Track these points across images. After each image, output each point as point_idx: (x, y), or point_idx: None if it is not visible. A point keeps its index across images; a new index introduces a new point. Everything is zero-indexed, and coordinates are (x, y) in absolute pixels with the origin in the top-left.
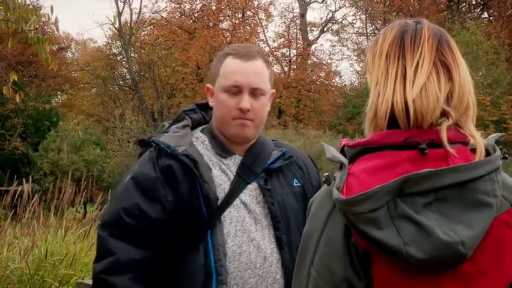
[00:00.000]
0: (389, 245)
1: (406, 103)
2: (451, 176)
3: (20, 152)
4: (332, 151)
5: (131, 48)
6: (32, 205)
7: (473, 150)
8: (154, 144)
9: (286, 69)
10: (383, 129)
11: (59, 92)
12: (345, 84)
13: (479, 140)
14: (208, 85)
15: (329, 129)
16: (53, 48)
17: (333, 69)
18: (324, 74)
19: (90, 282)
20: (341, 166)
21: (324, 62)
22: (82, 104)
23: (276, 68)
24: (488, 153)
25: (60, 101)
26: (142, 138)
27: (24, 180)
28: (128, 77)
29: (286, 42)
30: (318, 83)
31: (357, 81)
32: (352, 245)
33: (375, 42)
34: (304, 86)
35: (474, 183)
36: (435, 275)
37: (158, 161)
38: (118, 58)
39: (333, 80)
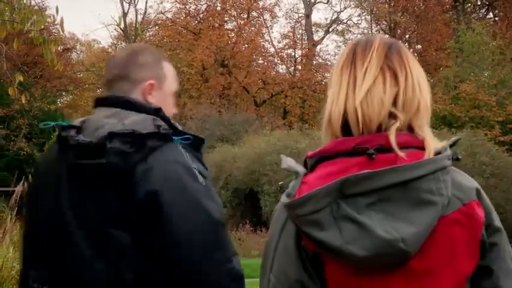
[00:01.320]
0: (332, 245)
1: (355, 108)
2: (390, 176)
3: (25, 152)
4: (289, 162)
5: None
6: None
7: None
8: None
9: (291, 69)
10: (338, 136)
11: (64, 93)
12: None
13: (428, 142)
14: (153, 82)
15: None
16: (58, 49)
17: None
18: (329, 74)
19: None
20: (298, 175)
21: (329, 63)
22: (87, 104)
23: (281, 69)
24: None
25: (66, 101)
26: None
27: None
28: None
29: (292, 42)
30: (323, 83)
31: None
32: (303, 249)
33: (341, 60)
34: (310, 87)
35: (417, 183)
36: (385, 273)
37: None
38: None
39: None
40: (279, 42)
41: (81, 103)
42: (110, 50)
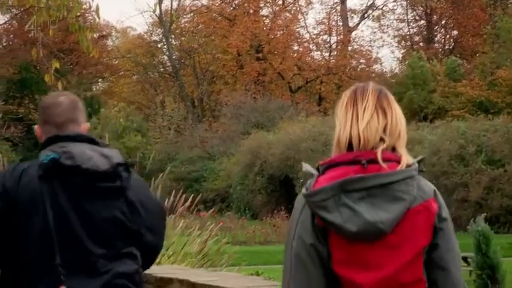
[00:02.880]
0: (334, 223)
1: (359, 134)
2: (375, 180)
3: None
4: (307, 167)
5: (172, 36)
6: None
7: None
8: None
9: (326, 55)
10: (344, 151)
11: (100, 80)
12: (385, 71)
13: (403, 158)
14: (87, 124)
15: None
16: (94, 36)
17: (373, 56)
18: (364, 60)
19: None
20: (313, 176)
21: (365, 49)
22: (122, 91)
23: (317, 55)
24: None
25: (101, 88)
26: None
27: None
28: (168, 64)
29: (327, 28)
30: (359, 69)
31: (397, 68)
32: (315, 224)
33: (340, 100)
34: (345, 73)
35: (393, 185)
36: (368, 243)
37: None
38: (159, 45)
39: (374, 67)
40: (314, 28)
41: (117, 90)
42: (145, 36)
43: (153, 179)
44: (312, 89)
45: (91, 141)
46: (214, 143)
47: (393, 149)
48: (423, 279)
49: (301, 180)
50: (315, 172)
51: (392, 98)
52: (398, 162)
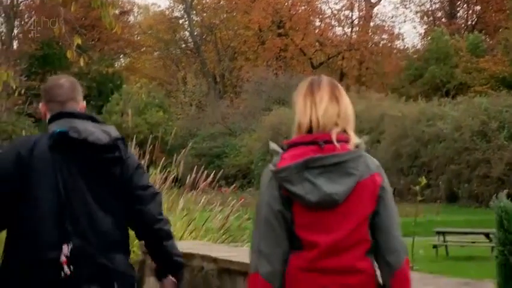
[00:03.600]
0: (298, 194)
1: (318, 120)
2: (332, 159)
3: None
4: (273, 145)
5: (193, 12)
6: None
7: (356, 146)
8: None
9: (348, 31)
10: (304, 134)
11: (121, 56)
12: (407, 47)
13: (352, 140)
14: (84, 103)
15: (392, 92)
16: (116, 11)
17: (395, 32)
18: (386, 36)
19: None
20: (277, 153)
21: (387, 25)
22: (144, 67)
23: (338, 31)
24: (358, 147)
25: (123, 64)
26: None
27: None
28: (190, 40)
29: (349, 4)
30: (380, 45)
31: (419, 44)
32: (281, 194)
33: (297, 90)
34: (367, 48)
35: (345, 163)
36: (324, 211)
37: None
38: (180, 21)
39: (396, 43)
40: (335, 3)
41: (138, 66)
42: (167, 12)
43: (175, 155)
44: (333, 65)
45: (92, 118)
46: (235, 119)
47: (344, 131)
48: (369, 239)
49: (270, 159)
50: (280, 150)
51: (342, 88)
52: (348, 142)
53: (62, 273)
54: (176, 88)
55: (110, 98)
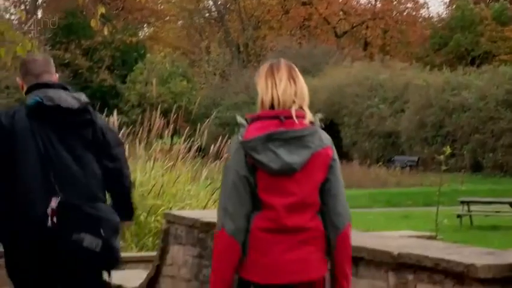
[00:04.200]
0: (262, 162)
1: (278, 97)
2: (292, 133)
3: (108, 84)
4: (240, 119)
5: None
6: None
7: (311, 122)
8: None
9: (372, 0)
10: (266, 109)
11: (145, 25)
12: (432, 16)
13: (308, 116)
14: (57, 75)
15: (416, 61)
16: None
17: (420, 1)
18: (411, 5)
19: (178, 213)
20: (243, 126)
21: None
22: (168, 36)
23: None
24: (313, 123)
25: (147, 33)
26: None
27: (115, 111)
28: (214, 9)
29: None
30: (405, 14)
31: (444, 13)
32: (246, 162)
33: (259, 72)
34: (391, 17)
35: (303, 137)
36: (284, 177)
37: None
38: None
39: (421, 11)
40: None
41: (162, 35)
42: None
43: (199, 124)
44: (357, 34)
45: (64, 87)
46: None
47: (301, 108)
48: (318, 203)
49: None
50: (245, 123)
51: (297, 71)
52: (304, 118)
53: (48, 224)
54: (199, 57)
55: (134, 68)
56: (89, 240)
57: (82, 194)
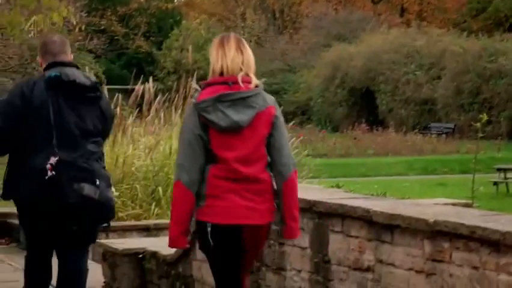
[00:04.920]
0: (212, 120)
1: (227, 66)
2: (238, 95)
3: (143, 50)
4: (194, 85)
5: None
6: (157, 103)
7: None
8: None
9: None
10: (217, 76)
11: None
12: None
13: (253, 81)
14: (72, 55)
15: (453, 27)
16: None
17: None
18: None
19: None
20: (198, 91)
21: None
22: (203, 3)
23: None
24: (258, 86)
25: (183, 0)
26: None
27: (151, 78)
28: None
29: None
30: None
31: None
32: (200, 121)
33: (212, 44)
34: None
35: (248, 98)
36: (233, 134)
37: None
38: None
39: None
40: None
41: (197, 1)
42: None
43: None
44: (394, 0)
45: (76, 67)
46: (294, 56)
47: (247, 75)
48: (266, 156)
49: (192, 93)
50: (199, 88)
51: (245, 43)
52: (250, 82)
53: (47, 176)
54: (235, 24)
55: (169, 34)
56: (88, 189)
57: (80, 154)
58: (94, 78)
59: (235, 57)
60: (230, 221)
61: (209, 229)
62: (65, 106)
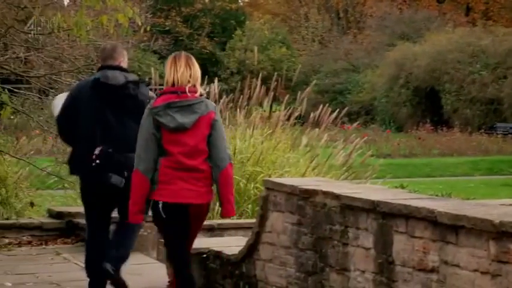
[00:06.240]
0: (163, 122)
1: (178, 79)
2: (185, 102)
3: (207, 51)
4: (152, 94)
5: None
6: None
7: (201, 95)
8: None
9: None
10: (170, 86)
11: None
12: None
13: (198, 91)
14: (122, 59)
15: None
16: None
17: None
18: None
19: (277, 180)
20: (154, 98)
21: None
22: (267, 3)
23: None
24: (202, 95)
25: (246, 0)
26: None
27: (216, 79)
28: None
29: None
30: None
31: None
32: (154, 123)
33: (167, 61)
34: None
35: (192, 105)
36: (179, 133)
37: None
38: None
39: None
40: None
41: (261, 1)
42: None
43: (299, 92)
44: None
45: (121, 68)
46: (358, 55)
47: (194, 86)
48: (206, 151)
49: (148, 101)
50: (155, 96)
51: (194, 60)
52: (196, 92)
53: (94, 164)
54: (299, 24)
55: (233, 35)
56: (115, 179)
57: (119, 147)
58: (131, 78)
59: (184, 72)
60: (177, 200)
61: (160, 206)
62: (104, 104)
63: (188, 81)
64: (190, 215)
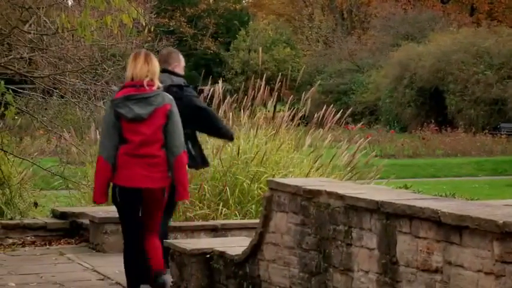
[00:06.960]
0: (122, 113)
1: (136, 73)
2: (141, 95)
3: (212, 51)
4: (114, 88)
5: None
6: (226, 104)
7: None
8: None
9: None
10: (129, 81)
11: None
12: None
13: (156, 84)
14: (176, 63)
15: None
16: None
17: None
18: None
19: (281, 180)
20: (115, 91)
21: None
22: (271, 3)
23: None
24: (159, 88)
25: (251, 0)
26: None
27: (220, 80)
28: None
29: None
30: None
31: None
32: (115, 113)
33: (130, 58)
34: None
35: (149, 98)
36: (138, 123)
37: None
38: None
39: None
40: None
41: (265, 2)
42: None
43: (303, 92)
44: (464, 0)
45: (170, 72)
46: (363, 56)
47: (152, 80)
48: (162, 139)
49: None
50: (117, 89)
51: (152, 56)
52: (153, 86)
53: None
54: (303, 24)
55: (237, 35)
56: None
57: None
58: (175, 81)
59: (143, 67)
60: (132, 184)
61: (117, 189)
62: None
63: (146, 76)
64: (144, 198)
